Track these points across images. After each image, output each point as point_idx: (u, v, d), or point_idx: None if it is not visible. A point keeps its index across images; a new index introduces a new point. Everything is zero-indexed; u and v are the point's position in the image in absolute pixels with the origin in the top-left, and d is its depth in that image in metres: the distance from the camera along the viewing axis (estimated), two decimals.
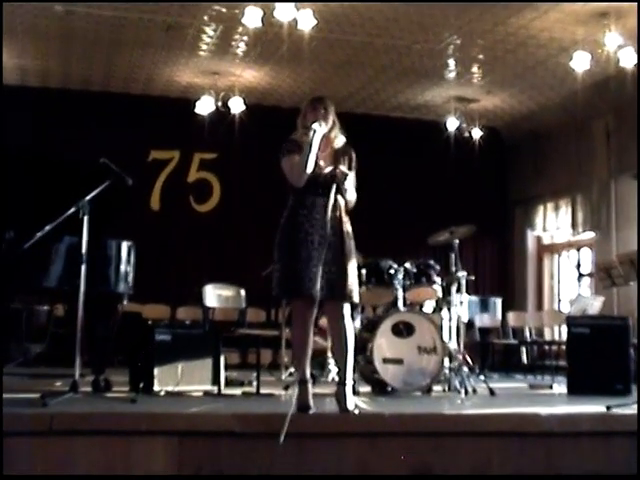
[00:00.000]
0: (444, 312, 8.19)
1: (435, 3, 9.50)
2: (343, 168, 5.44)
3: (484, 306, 12.51)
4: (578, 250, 13.64)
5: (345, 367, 5.43)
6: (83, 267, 5.85)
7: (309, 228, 5.35)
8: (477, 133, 13.19)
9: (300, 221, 5.38)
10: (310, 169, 5.36)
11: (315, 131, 5.37)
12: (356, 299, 5.48)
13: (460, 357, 7.91)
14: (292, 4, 8.91)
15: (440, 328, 7.78)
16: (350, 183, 5.47)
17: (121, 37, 10.77)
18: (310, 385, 5.42)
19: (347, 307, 5.46)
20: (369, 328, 7.66)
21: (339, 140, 5.61)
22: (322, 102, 5.57)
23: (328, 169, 5.45)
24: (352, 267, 5.45)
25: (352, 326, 5.50)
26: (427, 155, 13.81)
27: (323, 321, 7.41)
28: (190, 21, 10.17)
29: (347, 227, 5.49)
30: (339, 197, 5.46)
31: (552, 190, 13.58)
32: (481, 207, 14.19)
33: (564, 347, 9.44)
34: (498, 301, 12.70)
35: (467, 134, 13.20)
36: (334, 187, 5.41)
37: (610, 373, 7.65)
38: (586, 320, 8.42)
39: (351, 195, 5.53)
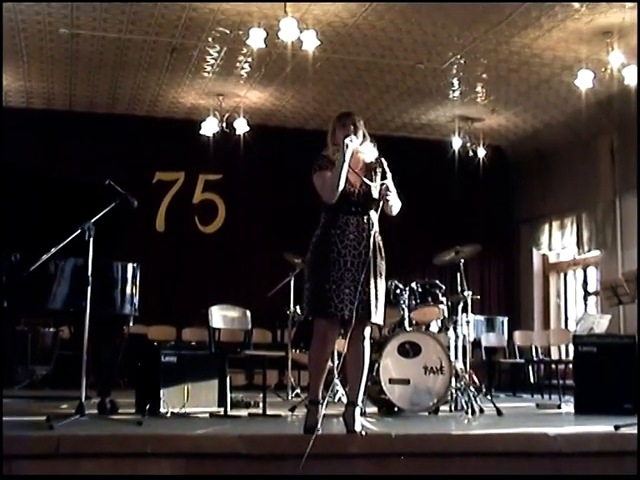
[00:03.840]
0: (450, 332, 8.18)
1: (440, 21, 9.54)
2: (386, 182, 5.41)
3: (490, 325, 12.48)
4: (584, 269, 13.62)
5: (358, 388, 5.39)
6: (89, 289, 5.84)
7: (342, 249, 5.28)
8: (482, 152, 13.20)
9: (332, 241, 5.30)
10: (342, 185, 5.29)
11: (347, 145, 5.30)
12: (381, 322, 5.43)
13: (467, 377, 7.90)
14: (295, 25, 8.94)
15: (446, 348, 7.75)
16: (393, 194, 5.42)
17: (126, 59, 10.82)
18: (320, 407, 5.38)
19: (368, 329, 5.41)
20: (375, 348, 7.62)
21: (371, 155, 5.55)
22: (350, 117, 5.51)
23: (376, 185, 5.39)
24: (381, 288, 5.40)
25: (369, 348, 5.45)
26: (432, 174, 13.83)
27: None
28: (194, 43, 10.21)
29: (380, 246, 5.42)
30: (372, 215, 5.42)
31: (557, 209, 13.57)
32: (486, 226, 14.21)
33: (571, 366, 9.41)
34: (504, 320, 12.69)
35: (472, 153, 13.21)
36: (380, 205, 5.40)
37: (618, 392, 7.59)
38: (593, 339, 8.37)
39: (396, 204, 5.49)
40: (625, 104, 10.80)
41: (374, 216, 5.44)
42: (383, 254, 5.44)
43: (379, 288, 5.37)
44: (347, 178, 5.35)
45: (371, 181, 5.41)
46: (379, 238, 5.44)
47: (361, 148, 5.48)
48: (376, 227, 5.43)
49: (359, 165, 5.46)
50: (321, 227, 5.42)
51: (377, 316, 5.35)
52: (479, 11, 9.22)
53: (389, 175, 5.50)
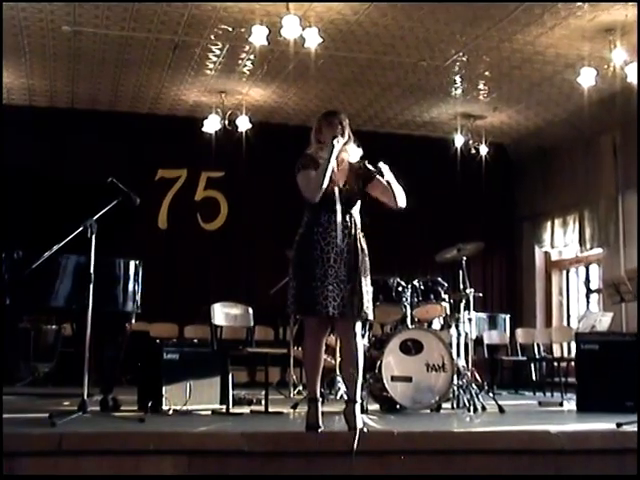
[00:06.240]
0: (452, 329, 8.18)
1: (442, 18, 9.54)
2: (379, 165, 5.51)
3: (492, 323, 12.48)
4: (586, 266, 13.61)
5: (355, 385, 5.38)
6: (91, 286, 5.85)
7: (325, 246, 5.29)
8: (484, 150, 13.18)
9: (315, 239, 5.31)
10: (326, 184, 5.31)
11: (334, 146, 5.31)
12: (370, 317, 5.41)
13: (469, 374, 7.90)
14: (298, 22, 8.93)
15: (449, 345, 7.75)
16: (392, 182, 5.50)
17: (128, 57, 10.82)
18: (320, 404, 5.39)
19: (359, 325, 5.41)
20: (377, 346, 7.64)
21: (355, 155, 5.56)
22: (337, 116, 5.53)
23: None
24: (367, 284, 5.38)
25: (363, 344, 5.47)
26: (434, 172, 13.81)
27: (330, 339, 7.39)
28: (197, 40, 10.21)
29: (362, 244, 5.41)
30: (354, 213, 5.43)
31: (559, 206, 13.57)
32: (489, 224, 14.20)
33: (573, 364, 9.41)
34: (506, 318, 12.67)
35: (474, 151, 13.19)
36: (361, 202, 5.45)
37: (620, 390, 7.58)
38: (595, 336, 8.38)
39: (399, 193, 5.54)
40: (627, 101, 10.79)
41: (356, 214, 5.45)
42: (366, 252, 5.43)
43: (363, 285, 5.34)
44: (330, 177, 5.36)
45: (354, 181, 5.45)
46: (361, 236, 5.44)
47: (346, 148, 5.49)
48: (359, 225, 5.44)
49: (342, 165, 5.48)
50: (304, 226, 5.44)
51: (363, 311, 5.32)
52: (482, 8, 9.22)
53: (381, 165, 5.54)
